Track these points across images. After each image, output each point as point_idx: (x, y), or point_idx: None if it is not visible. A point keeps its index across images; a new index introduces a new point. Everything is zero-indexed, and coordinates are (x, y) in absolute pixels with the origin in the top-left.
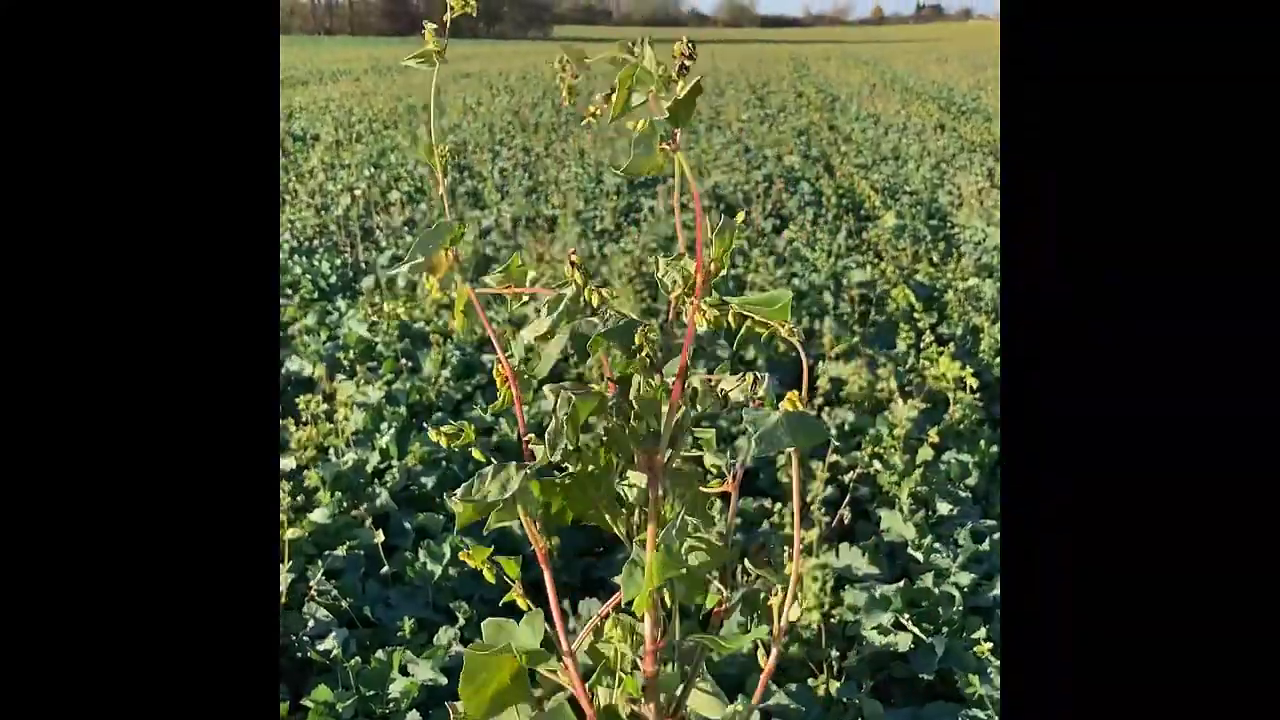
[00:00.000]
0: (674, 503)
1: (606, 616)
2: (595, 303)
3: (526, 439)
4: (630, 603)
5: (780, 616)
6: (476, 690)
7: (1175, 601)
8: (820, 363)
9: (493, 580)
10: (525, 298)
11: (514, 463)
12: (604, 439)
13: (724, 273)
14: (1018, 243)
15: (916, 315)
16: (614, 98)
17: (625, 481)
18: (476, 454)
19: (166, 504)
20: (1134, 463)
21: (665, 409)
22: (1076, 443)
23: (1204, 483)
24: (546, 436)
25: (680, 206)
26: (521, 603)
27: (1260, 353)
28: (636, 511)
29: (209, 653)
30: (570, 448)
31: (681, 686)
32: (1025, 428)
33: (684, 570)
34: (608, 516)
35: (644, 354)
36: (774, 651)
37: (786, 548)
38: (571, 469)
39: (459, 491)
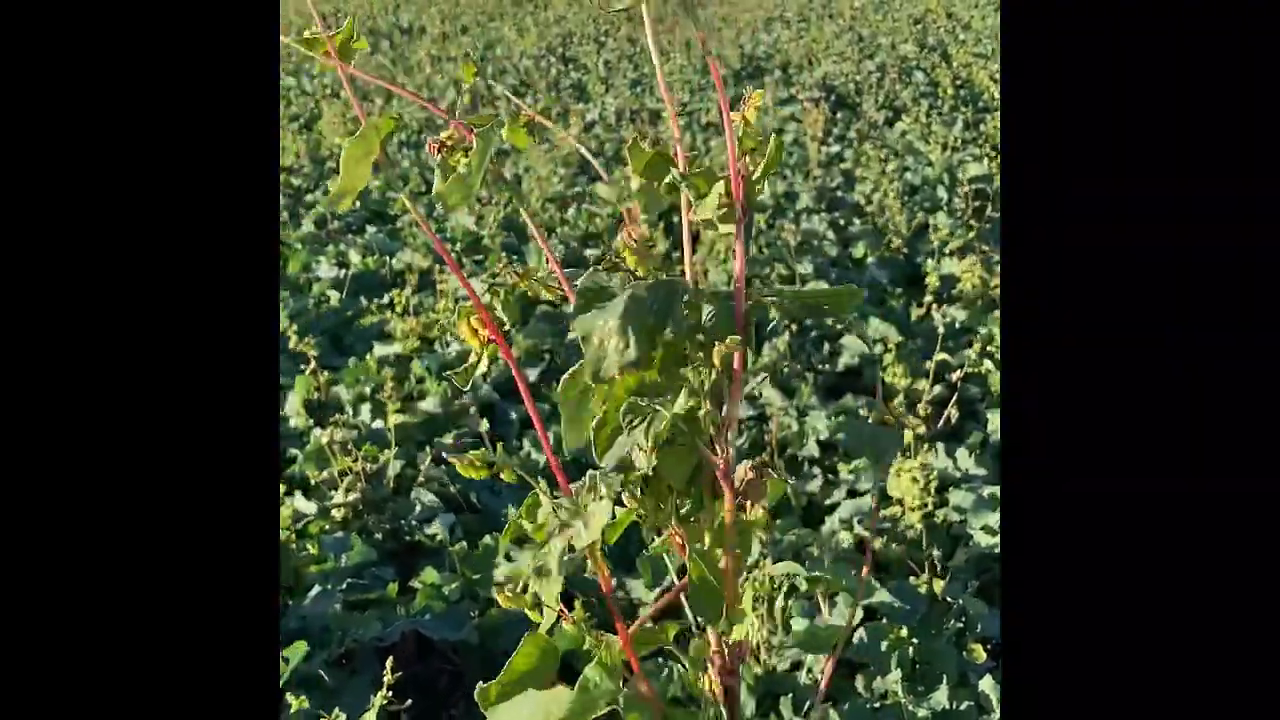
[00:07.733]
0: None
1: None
2: (633, 265)
3: (558, 465)
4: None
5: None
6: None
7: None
8: (931, 259)
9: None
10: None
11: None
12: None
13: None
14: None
15: None
16: None
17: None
18: (507, 475)
19: (152, 474)
20: (1126, 382)
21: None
22: (1068, 363)
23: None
24: (617, 459)
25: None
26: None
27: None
28: (670, 501)
29: (202, 626)
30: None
31: None
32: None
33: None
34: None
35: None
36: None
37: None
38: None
39: (500, 577)
